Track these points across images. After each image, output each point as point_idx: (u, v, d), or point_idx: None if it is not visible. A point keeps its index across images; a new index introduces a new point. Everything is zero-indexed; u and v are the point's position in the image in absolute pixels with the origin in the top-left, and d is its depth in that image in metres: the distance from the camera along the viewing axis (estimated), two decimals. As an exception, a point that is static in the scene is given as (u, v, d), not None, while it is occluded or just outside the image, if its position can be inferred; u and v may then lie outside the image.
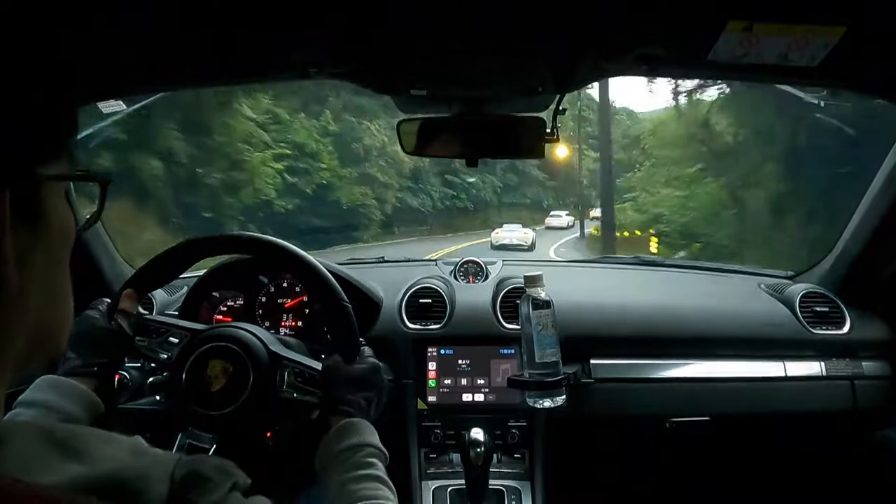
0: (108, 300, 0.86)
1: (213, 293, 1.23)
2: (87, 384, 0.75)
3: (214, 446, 0.83)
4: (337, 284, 0.91)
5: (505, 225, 16.20)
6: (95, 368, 0.77)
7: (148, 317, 0.89)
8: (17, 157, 0.32)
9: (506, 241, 14.41)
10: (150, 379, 0.91)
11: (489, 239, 14.92)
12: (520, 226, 16.18)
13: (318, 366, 0.83)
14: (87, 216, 0.47)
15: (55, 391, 0.71)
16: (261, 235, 0.97)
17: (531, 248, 14.27)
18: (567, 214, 23.15)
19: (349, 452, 0.69)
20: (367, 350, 0.86)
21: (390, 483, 0.67)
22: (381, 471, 0.68)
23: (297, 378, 0.84)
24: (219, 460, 0.39)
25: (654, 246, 9.69)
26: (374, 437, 0.73)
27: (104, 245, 1.26)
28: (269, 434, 0.91)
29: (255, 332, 0.85)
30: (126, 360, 0.87)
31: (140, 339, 0.86)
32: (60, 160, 0.36)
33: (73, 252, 0.39)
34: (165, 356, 0.86)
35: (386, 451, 0.72)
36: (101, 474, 0.32)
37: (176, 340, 0.87)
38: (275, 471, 0.84)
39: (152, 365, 0.92)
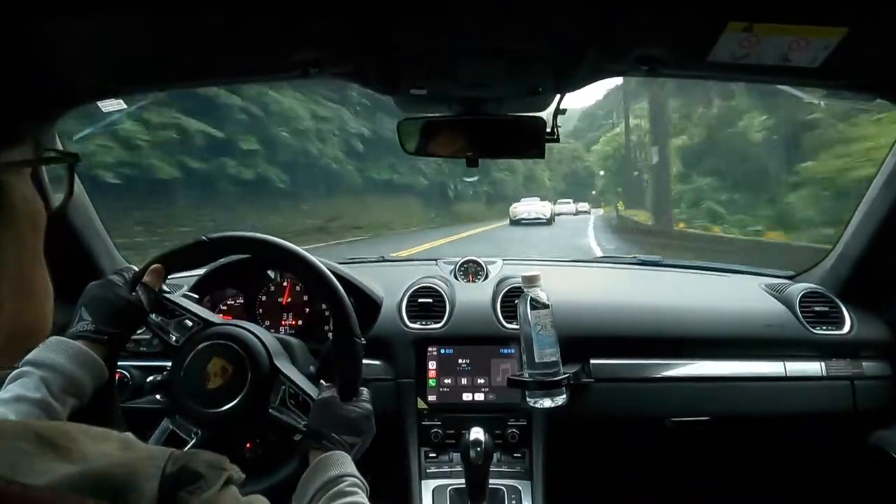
0: (136, 268, 0.86)
1: (227, 288, 1.23)
2: (95, 350, 0.74)
3: (194, 440, 0.82)
4: (354, 315, 0.86)
5: (523, 199, 15.35)
6: (107, 337, 0.76)
7: (168, 296, 0.88)
8: None
9: (524, 216, 13.71)
10: (150, 378, 0.91)
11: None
12: (537, 199, 15.37)
13: (315, 393, 0.82)
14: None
15: (64, 353, 0.70)
16: (294, 247, 0.91)
17: (550, 221, 13.63)
18: (573, 202, 22.81)
19: (331, 484, 0.68)
20: (365, 392, 0.84)
21: None
22: (364, 499, 0.68)
23: (290, 399, 0.83)
24: (211, 455, 0.38)
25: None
26: (353, 468, 0.73)
27: (106, 246, 1.26)
28: (248, 445, 0.91)
29: (264, 340, 0.85)
30: (137, 332, 0.85)
31: (155, 315, 0.85)
32: (21, 145, 0.35)
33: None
34: (174, 338, 0.86)
35: (365, 482, 0.71)
36: (90, 472, 0.31)
37: (190, 324, 0.87)
38: (247, 484, 0.84)
39: (153, 363, 0.92)
